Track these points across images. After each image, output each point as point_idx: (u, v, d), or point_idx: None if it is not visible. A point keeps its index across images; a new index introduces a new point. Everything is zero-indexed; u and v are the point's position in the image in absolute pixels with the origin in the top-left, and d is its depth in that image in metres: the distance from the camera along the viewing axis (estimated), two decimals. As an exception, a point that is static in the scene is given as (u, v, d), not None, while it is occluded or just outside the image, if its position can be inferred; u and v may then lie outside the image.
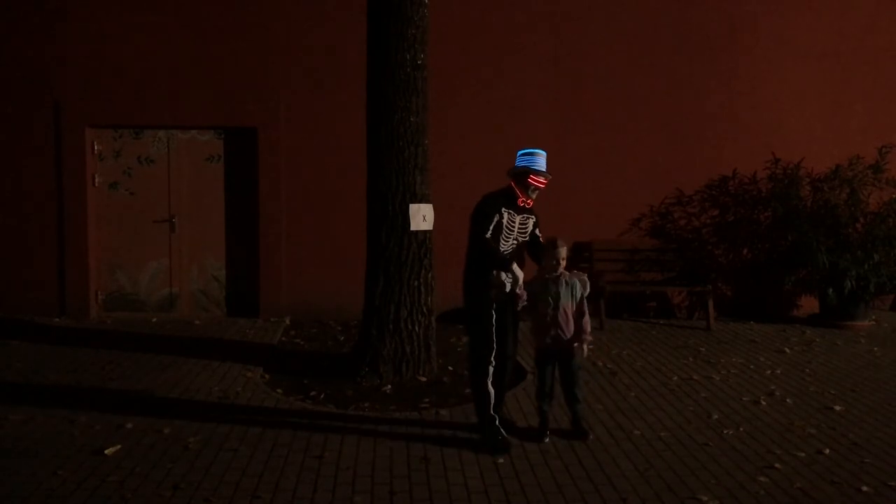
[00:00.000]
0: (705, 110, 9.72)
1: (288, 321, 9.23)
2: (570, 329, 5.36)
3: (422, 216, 6.77)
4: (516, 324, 5.47)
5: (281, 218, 9.35)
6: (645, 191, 9.73)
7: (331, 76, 9.31)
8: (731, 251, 9.98)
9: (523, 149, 5.37)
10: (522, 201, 5.28)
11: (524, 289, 5.25)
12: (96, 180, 9.34)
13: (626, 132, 9.65)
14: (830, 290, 9.14)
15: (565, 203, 9.38)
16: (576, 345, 5.39)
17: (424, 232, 6.82)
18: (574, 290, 5.37)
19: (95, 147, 9.33)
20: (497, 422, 5.29)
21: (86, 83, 9.19)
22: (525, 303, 5.30)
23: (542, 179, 5.26)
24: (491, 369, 5.27)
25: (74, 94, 9.18)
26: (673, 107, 9.67)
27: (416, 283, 6.78)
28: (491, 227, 5.20)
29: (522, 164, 5.28)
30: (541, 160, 5.28)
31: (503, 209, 5.23)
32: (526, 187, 5.26)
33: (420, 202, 6.78)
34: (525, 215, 5.34)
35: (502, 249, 5.25)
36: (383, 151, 6.77)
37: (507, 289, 5.23)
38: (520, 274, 5.20)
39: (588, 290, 5.43)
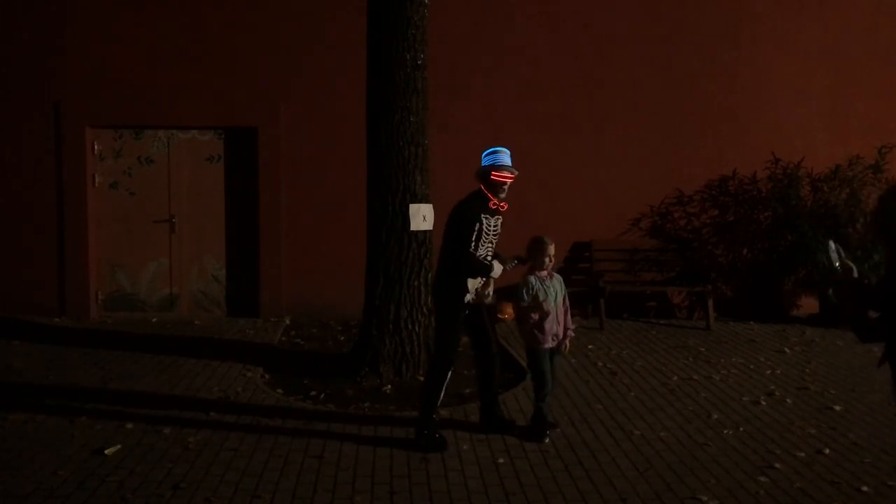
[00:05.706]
0: (705, 110, 9.71)
1: (288, 321, 9.23)
2: (562, 325, 5.42)
3: (422, 216, 6.77)
4: (493, 322, 5.49)
5: (281, 218, 9.35)
6: (645, 191, 9.72)
7: (331, 76, 9.30)
8: (731, 251, 9.97)
9: (487, 149, 5.30)
10: (495, 204, 5.20)
11: (524, 294, 5.31)
12: (96, 180, 9.34)
13: (627, 132, 9.64)
14: (830, 290, 9.13)
15: (565, 203, 9.39)
16: (568, 338, 5.48)
17: (424, 232, 6.82)
18: (561, 286, 5.42)
19: (95, 147, 9.33)
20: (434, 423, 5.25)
21: (86, 83, 9.19)
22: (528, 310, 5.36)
23: (505, 174, 5.16)
24: (449, 374, 5.23)
25: (74, 94, 9.18)
26: (673, 106, 9.66)
27: (416, 282, 6.78)
28: (474, 239, 5.14)
29: (486, 163, 5.21)
30: (503, 156, 5.19)
31: (482, 216, 5.17)
32: (493, 186, 5.18)
33: (420, 202, 6.78)
34: (497, 217, 5.29)
35: (480, 254, 5.20)
36: (383, 151, 6.77)
37: (475, 296, 5.25)
38: (497, 269, 5.21)
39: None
